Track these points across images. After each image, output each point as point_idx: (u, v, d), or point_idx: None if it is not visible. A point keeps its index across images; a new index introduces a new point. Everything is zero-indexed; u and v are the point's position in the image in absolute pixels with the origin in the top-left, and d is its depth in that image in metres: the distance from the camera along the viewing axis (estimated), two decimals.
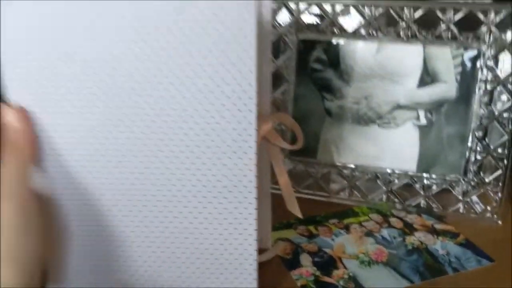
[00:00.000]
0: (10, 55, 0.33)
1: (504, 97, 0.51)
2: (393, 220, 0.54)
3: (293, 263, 0.47)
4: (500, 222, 0.52)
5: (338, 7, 0.53)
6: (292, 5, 0.54)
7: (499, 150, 0.51)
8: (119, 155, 0.35)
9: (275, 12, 0.55)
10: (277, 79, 0.57)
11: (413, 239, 0.50)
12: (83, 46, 0.33)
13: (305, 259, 0.48)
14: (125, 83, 0.34)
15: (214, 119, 0.35)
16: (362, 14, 0.53)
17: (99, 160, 0.35)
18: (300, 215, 0.46)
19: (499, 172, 0.52)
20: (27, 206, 0.30)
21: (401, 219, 0.54)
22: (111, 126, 0.35)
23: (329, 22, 0.54)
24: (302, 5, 0.54)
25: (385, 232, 0.52)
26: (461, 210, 0.53)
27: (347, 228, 0.52)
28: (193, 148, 0.35)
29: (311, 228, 0.53)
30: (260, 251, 0.43)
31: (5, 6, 0.32)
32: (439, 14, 0.51)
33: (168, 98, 0.34)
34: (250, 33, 0.33)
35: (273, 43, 0.56)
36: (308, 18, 0.55)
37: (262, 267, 0.41)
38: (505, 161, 0.51)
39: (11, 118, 0.32)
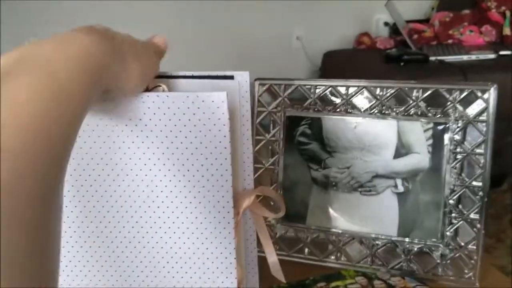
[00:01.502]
0: None
1: (473, 166, 0.55)
2: (377, 282, 0.57)
3: None
4: (477, 284, 0.55)
5: (318, 89, 0.60)
6: (276, 88, 0.61)
7: (472, 216, 0.55)
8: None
9: (263, 92, 0.62)
10: (268, 151, 0.63)
11: None
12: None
13: None
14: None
15: (197, 199, 0.40)
16: (339, 93, 0.59)
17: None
18: (283, 280, 0.50)
19: (474, 235, 0.55)
20: None
21: (385, 281, 0.57)
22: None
23: (311, 101, 0.60)
24: (287, 87, 0.61)
25: None
26: (439, 273, 0.57)
27: None
28: (182, 216, 0.41)
29: None
30: None
31: None
32: (409, 93, 0.56)
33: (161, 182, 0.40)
34: (224, 127, 0.39)
35: (263, 119, 0.62)
36: (293, 97, 0.61)
37: None
38: (479, 226, 0.55)
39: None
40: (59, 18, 2.40)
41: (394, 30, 2.43)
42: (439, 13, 2.18)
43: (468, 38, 2.00)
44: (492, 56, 1.73)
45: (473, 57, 1.74)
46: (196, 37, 2.52)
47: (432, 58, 1.70)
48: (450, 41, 2.02)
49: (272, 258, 0.50)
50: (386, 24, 2.54)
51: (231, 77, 0.44)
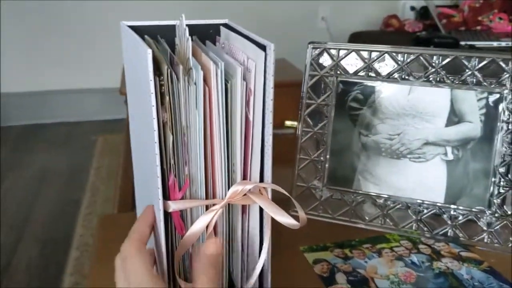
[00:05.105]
0: None
1: None
2: (422, 246, 0.59)
3: (330, 280, 0.53)
4: None
5: (374, 54, 0.60)
6: (333, 51, 0.62)
7: None
8: None
9: (317, 55, 0.63)
10: (317, 115, 0.64)
11: (440, 264, 0.55)
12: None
13: (341, 278, 0.53)
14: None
15: None
16: (395, 60, 0.60)
17: None
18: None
19: None
20: None
21: (429, 246, 0.59)
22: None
23: (366, 66, 0.61)
24: (342, 51, 0.61)
25: (414, 257, 0.57)
26: (485, 240, 0.58)
27: (379, 252, 0.58)
28: None
29: (347, 251, 0.58)
30: None
31: None
32: (465, 62, 0.57)
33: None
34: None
35: (314, 82, 0.63)
36: (347, 62, 0.62)
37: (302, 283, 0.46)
38: None
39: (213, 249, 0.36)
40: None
41: (420, 14, 2.42)
42: None
43: (497, 26, 1.98)
44: None
45: (503, 43, 1.73)
46: (219, 16, 2.52)
47: (462, 43, 1.69)
48: (478, 27, 2.00)
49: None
50: (412, 8, 2.52)
51: (264, 48, 0.37)
